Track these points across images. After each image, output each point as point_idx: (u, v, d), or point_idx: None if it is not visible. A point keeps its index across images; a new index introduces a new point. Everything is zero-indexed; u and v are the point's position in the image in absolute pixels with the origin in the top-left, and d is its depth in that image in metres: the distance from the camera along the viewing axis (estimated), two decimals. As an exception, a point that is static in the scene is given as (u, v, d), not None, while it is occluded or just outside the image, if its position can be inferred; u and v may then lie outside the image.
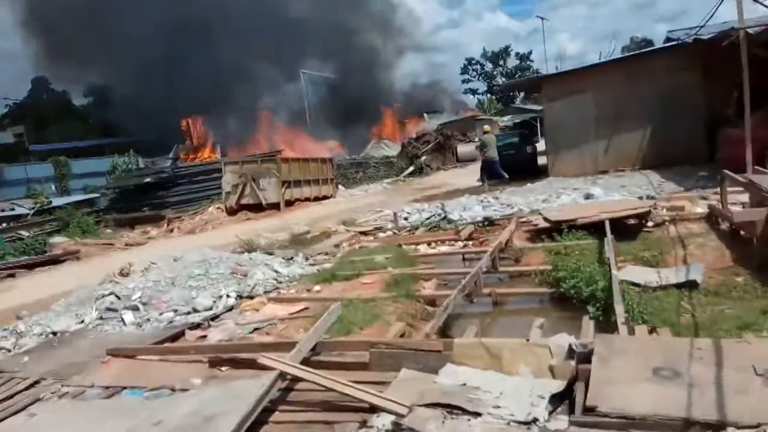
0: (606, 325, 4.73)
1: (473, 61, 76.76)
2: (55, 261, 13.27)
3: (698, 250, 6.51)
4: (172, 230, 17.23)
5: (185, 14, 33.93)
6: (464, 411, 3.49)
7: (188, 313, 6.72)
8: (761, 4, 9.98)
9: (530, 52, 75.28)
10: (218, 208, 18.70)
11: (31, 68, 46.00)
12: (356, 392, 3.74)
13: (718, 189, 8.73)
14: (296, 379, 4.21)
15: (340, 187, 23.48)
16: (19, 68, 74.04)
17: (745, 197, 7.72)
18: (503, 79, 75.39)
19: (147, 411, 3.94)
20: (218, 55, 34.83)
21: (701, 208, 8.51)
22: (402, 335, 5.21)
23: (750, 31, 10.40)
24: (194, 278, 7.60)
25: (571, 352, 3.75)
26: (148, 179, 20.77)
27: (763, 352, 3.13)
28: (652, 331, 4.32)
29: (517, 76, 70.09)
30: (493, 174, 17.67)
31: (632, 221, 8.10)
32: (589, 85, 16.51)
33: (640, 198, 10.10)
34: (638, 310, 4.66)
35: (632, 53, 20.90)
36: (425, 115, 47.28)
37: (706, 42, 13.23)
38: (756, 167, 8.91)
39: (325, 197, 20.44)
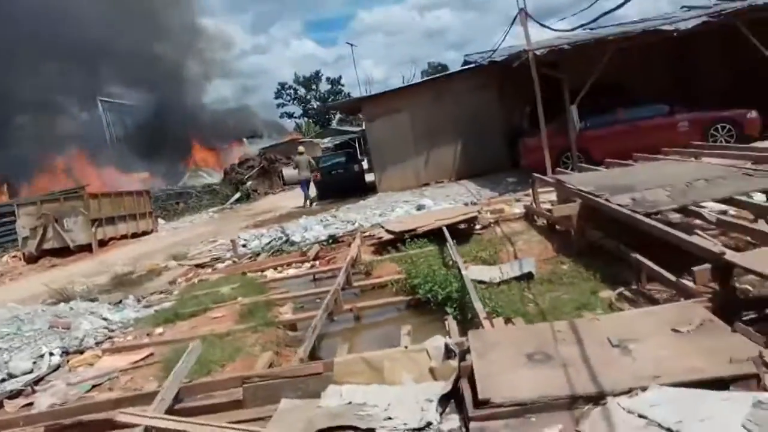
0: (466, 322, 5.03)
1: (286, 86, 77.47)
2: None
3: (525, 246, 7.28)
4: (-47, 289, 14.30)
5: None
6: (357, 430, 3.41)
7: (3, 380, 5.62)
8: (548, 27, 11.60)
9: (340, 77, 78.30)
10: (14, 257, 16.03)
11: None
12: (237, 434, 3.44)
13: (529, 191, 9.92)
14: (163, 434, 3.76)
15: (160, 220, 21.77)
16: None
17: (552, 196, 8.84)
18: (317, 102, 77.33)
19: None
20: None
21: (518, 209, 9.56)
22: (271, 365, 4.95)
23: (537, 52, 12.05)
24: (3, 339, 6.40)
25: (448, 353, 3.90)
26: None
27: (611, 327, 3.58)
28: (507, 321, 4.69)
29: (330, 99, 72.36)
30: (303, 191, 18.96)
31: (463, 226, 8.78)
32: (403, 104, 17.69)
33: (466, 204, 11.01)
34: (491, 305, 5.03)
35: (437, 75, 22.90)
36: (245, 140, 46.29)
37: (500, 63, 15.00)
38: (557, 169, 10.30)
39: (144, 233, 18.70)
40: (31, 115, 32.58)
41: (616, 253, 5.62)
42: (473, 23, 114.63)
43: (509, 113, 16.62)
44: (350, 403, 3.76)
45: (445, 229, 8.02)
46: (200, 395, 4.18)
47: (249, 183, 28.46)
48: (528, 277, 5.93)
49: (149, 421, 3.50)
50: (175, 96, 42.05)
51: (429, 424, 3.30)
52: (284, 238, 11.33)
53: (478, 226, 8.88)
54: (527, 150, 13.51)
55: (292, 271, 9.19)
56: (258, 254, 10.83)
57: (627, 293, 4.92)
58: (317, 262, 9.32)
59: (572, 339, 3.44)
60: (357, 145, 39.81)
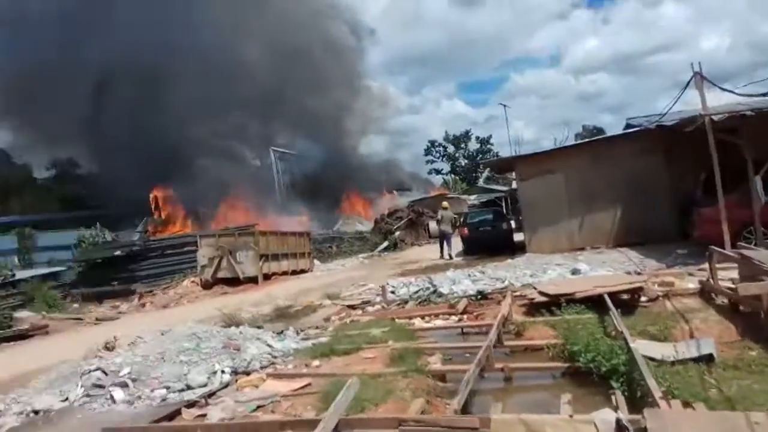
0: (635, 401, 4.65)
1: (436, 143, 79.74)
2: (23, 336, 12.53)
3: (702, 325, 6.60)
4: (144, 305, 16.54)
5: (152, 94, 34.26)
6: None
7: (182, 390, 6.33)
8: (730, 91, 10.77)
9: (490, 137, 78.81)
10: (193, 281, 18.14)
11: None
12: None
13: (703, 265, 9.04)
14: (323, 461, 3.96)
15: (315, 261, 23.26)
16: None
17: (732, 273, 7.96)
18: (465, 160, 78.33)
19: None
20: (187, 131, 35.21)
21: (692, 284, 8.70)
22: (422, 413, 4.98)
23: (715, 117, 11.17)
24: (185, 353, 7.22)
25: (620, 429, 3.64)
26: (117, 252, 20.11)
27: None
28: (686, 405, 4.26)
29: (479, 158, 72.99)
30: (441, 244, 19.52)
31: (626, 296, 8.20)
32: (558, 165, 17.20)
33: (628, 273, 10.29)
34: (666, 385, 4.61)
35: (595, 138, 22.09)
36: (395, 192, 48.17)
37: (667, 128, 14.10)
38: (738, 243, 9.28)
39: (302, 271, 20.14)
40: (214, 159, 37.15)
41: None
42: (631, 87, 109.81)
43: (677, 180, 15.41)
44: (508, 463, 3.67)
45: (606, 297, 7.57)
46: (357, 430, 4.34)
47: (397, 233, 29.40)
48: (708, 359, 5.35)
49: (316, 446, 3.71)
50: (334, 147, 45.40)
51: (597, 500, 3.10)
52: (432, 289, 11.46)
53: (643, 299, 8.23)
54: (702, 221, 12.34)
55: (439, 322, 9.26)
56: (406, 302, 11.08)
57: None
58: (465, 317, 9.29)
59: (772, 434, 3.05)
60: (504, 204, 39.43)
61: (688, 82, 11.82)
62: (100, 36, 34.83)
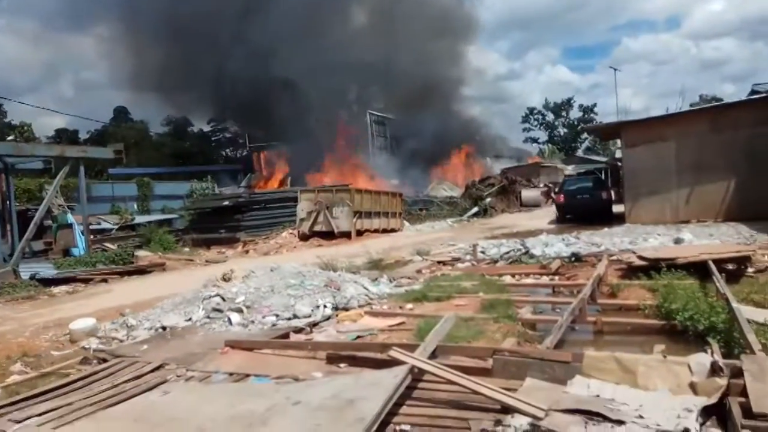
0: (731, 356, 4.60)
1: (534, 111, 76.98)
2: (143, 271, 13.97)
3: (816, 296, 6.25)
4: (247, 251, 17.83)
5: (262, 63, 35.80)
6: (605, 419, 3.47)
7: (289, 318, 6.97)
8: None
9: (594, 105, 74.99)
10: (291, 233, 19.26)
11: (113, 99, 50.22)
12: (491, 392, 3.79)
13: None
14: (419, 379, 4.32)
15: (405, 222, 23.75)
16: (101, 98, 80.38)
17: None
18: (565, 129, 75.11)
19: (281, 393, 4.11)
20: (293, 94, 36.60)
21: (808, 257, 8.17)
22: (514, 350, 5.21)
23: None
24: (291, 287, 7.87)
25: (714, 371, 3.69)
26: (226, 203, 21.70)
27: None
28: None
29: (579, 127, 69.69)
30: None
31: (732, 266, 7.86)
32: (671, 133, 16.31)
33: (737, 244, 9.76)
34: (767, 343, 4.51)
35: (716, 104, 20.54)
36: (488, 159, 47.48)
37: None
38: None
39: (393, 230, 20.71)
40: (315, 120, 38.47)
41: None
42: (759, 54, 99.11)
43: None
44: (598, 396, 3.82)
45: (711, 264, 7.31)
46: (453, 356, 4.65)
47: (488, 199, 29.18)
48: (817, 327, 5.12)
49: (416, 362, 4.07)
50: (431, 111, 45.24)
51: (686, 430, 3.21)
52: (523, 250, 11.50)
53: (750, 269, 7.88)
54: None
55: (530, 281, 9.34)
56: (496, 261, 11.21)
57: None
58: (557, 277, 9.29)
59: None
60: (603, 176, 37.74)
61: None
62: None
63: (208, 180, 29.76)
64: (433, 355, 4.64)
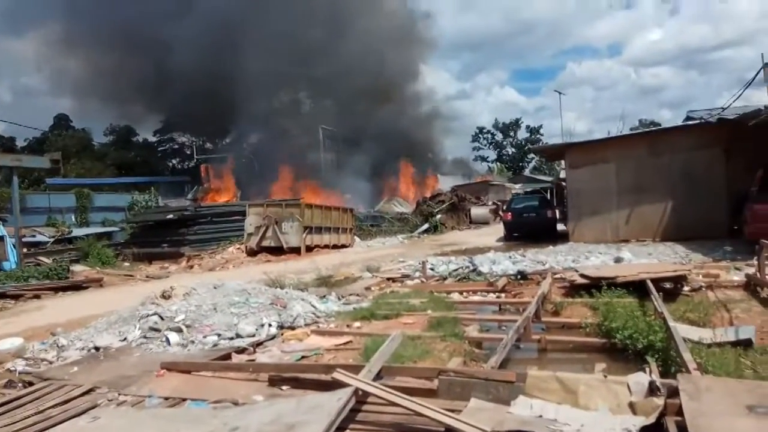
0: (668, 374, 4.72)
1: (484, 130, 78.88)
2: (78, 287, 13.32)
3: (744, 314, 6.56)
4: (191, 267, 17.27)
5: (212, 67, 35.18)
6: (547, 440, 3.48)
7: (232, 338, 6.73)
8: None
9: (540, 126, 77.47)
10: (238, 248, 18.81)
11: (53, 106, 48.21)
12: (435, 414, 3.74)
13: (751, 261, 8.89)
14: (363, 401, 4.22)
15: (356, 238, 23.64)
16: (41, 105, 77.10)
17: (782, 268, 7.80)
18: (513, 149, 77.26)
19: (219, 419, 3.93)
20: (244, 106, 36.07)
21: (737, 277, 8.59)
22: (459, 370, 5.19)
23: (779, 112, 10.82)
24: (235, 305, 7.62)
25: (651, 391, 3.76)
26: (170, 216, 20.98)
27: None
28: (720, 380, 4.32)
29: (526, 147, 71.89)
30: None
31: (669, 285, 8.15)
32: (612, 155, 16.94)
33: (673, 263, 10.17)
34: (702, 363, 4.66)
35: (655, 128, 21.53)
36: (438, 176, 48.09)
37: (730, 122, 13.68)
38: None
39: (343, 246, 20.55)
40: (262, 134, 37.98)
41: None
42: (693, 82, 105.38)
43: (733, 176, 14.94)
44: (541, 416, 3.84)
45: (649, 283, 7.56)
46: (399, 377, 4.58)
47: (438, 216, 29.48)
48: (746, 344, 5.35)
49: (361, 384, 3.98)
50: (383, 127, 45.36)
51: (625, 450, 3.25)
52: (471, 268, 11.61)
53: (686, 288, 8.18)
54: (755, 217, 11.99)
55: (477, 298, 9.41)
56: (445, 278, 11.26)
57: None
58: (503, 294, 9.40)
59: (807, 401, 3.12)
60: (548, 195, 38.85)
61: (757, 73, 11.49)
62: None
63: (151, 192, 28.70)
64: (378, 376, 4.56)
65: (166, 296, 7.76)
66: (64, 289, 13.18)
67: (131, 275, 15.76)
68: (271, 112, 38.03)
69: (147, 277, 15.39)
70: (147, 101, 41.83)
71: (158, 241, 20.53)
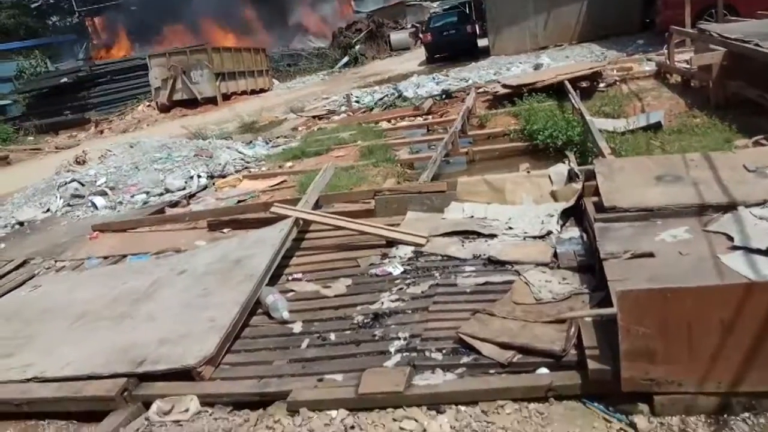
0: (587, 163, 5.06)
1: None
2: (-18, 168, 12.33)
3: (655, 101, 6.92)
4: (102, 131, 16.16)
5: None
6: (479, 235, 3.74)
7: (161, 194, 6.58)
8: None
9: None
10: (149, 106, 17.58)
11: None
12: (375, 229, 3.90)
13: (662, 51, 9.18)
14: (306, 231, 4.34)
15: (274, 80, 22.54)
16: None
17: (688, 55, 8.11)
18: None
19: (164, 267, 3.95)
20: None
21: (648, 67, 8.91)
22: (394, 189, 5.35)
23: None
24: (157, 162, 7.34)
25: (571, 178, 4.03)
26: (64, 79, 18.95)
27: (748, 158, 3.50)
28: (632, 162, 4.67)
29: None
30: None
31: (585, 83, 8.40)
32: (524, -41, 16.23)
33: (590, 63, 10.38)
34: (616, 148, 5.00)
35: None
36: (352, 2, 45.08)
37: None
38: (699, 23, 9.31)
39: (262, 90, 19.61)
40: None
41: (758, 101, 5.24)
42: None
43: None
44: (473, 216, 4.08)
45: (567, 83, 7.75)
46: (337, 204, 4.68)
47: (357, 47, 28.22)
48: (656, 127, 5.73)
49: (299, 213, 4.04)
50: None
51: (549, 232, 3.55)
52: (396, 94, 11.47)
53: (602, 84, 8.47)
54: (666, 5, 12.18)
55: (405, 123, 9.45)
56: (371, 109, 11.14)
57: (765, 141, 4.67)
58: (430, 116, 9.46)
59: (705, 165, 3.44)
60: (468, 11, 37.58)
61: None
62: None
63: (36, 56, 25.44)
64: (317, 206, 4.63)
65: (80, 161, 7.35)
66: (-33, 172, 12.19)
67: (38, 149, 14.68)
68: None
69: (56, 148, 14.36)
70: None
71: (59, 109, 18.78)
